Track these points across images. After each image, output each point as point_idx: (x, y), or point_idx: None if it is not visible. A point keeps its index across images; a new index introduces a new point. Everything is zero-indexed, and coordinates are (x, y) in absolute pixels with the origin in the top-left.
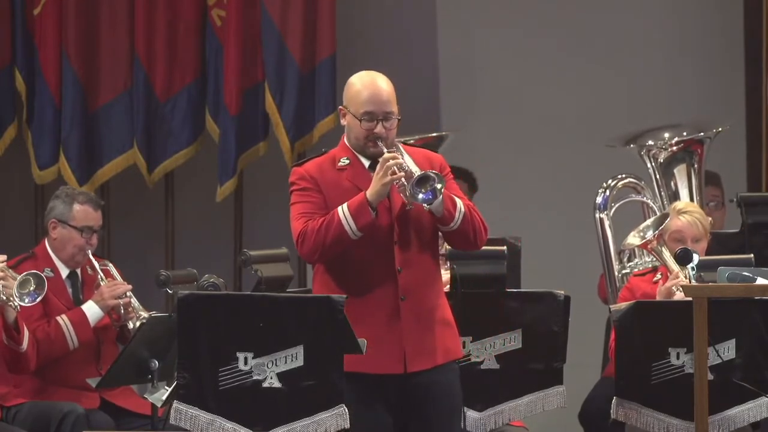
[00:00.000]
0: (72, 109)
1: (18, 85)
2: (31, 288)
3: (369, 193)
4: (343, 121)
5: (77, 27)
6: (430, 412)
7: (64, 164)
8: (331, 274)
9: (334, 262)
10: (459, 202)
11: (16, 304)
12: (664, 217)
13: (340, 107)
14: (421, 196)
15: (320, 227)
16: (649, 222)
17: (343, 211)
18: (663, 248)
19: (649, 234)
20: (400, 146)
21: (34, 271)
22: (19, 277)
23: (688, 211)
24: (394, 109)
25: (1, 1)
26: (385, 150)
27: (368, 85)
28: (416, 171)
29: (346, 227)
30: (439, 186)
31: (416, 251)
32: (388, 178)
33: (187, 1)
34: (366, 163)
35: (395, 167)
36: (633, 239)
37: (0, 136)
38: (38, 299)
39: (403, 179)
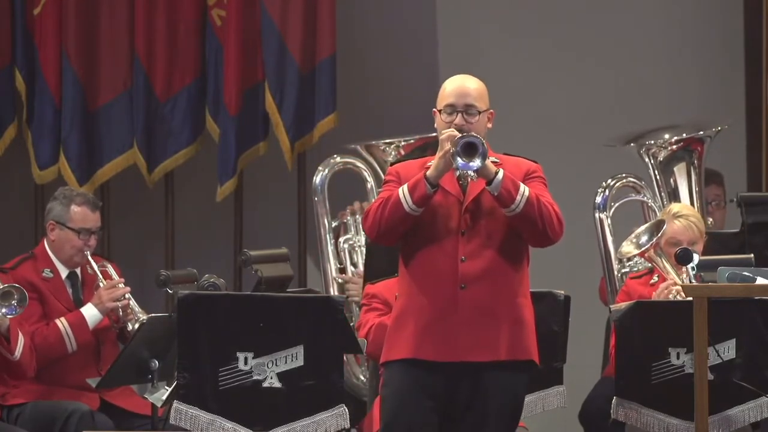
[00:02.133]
0: (72, 109)
1: (18, 85)
2: (13, 302)
3: (430, 169)
4: (436, 125)
5: (77, 27)
6: (481, 406)
7: (64, 164)
8: (404, 262)
9: (406, 249)
10: (523, 187)
11: None
12: (660, 223)
13: (434, 110)
14: (460, 160)
15: (381, 203)
16: (642, 228)
17: (402, 188)
18: (661, 257)
19: (644, 240)
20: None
21: (19, 285)
22: (1, 287)
23: (683, 214)
24: (479, 104)
25: (1, 1)
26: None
27: (453, 80)
28: (467, 134)
29: (403, 201)
30: (479, 147)
31: (485, 243)
32: (442, 151)
33: (187, 1)
34: None
35: (449, 140)
36: (628, 247)
37: (0, 136)
38: (14, 314)
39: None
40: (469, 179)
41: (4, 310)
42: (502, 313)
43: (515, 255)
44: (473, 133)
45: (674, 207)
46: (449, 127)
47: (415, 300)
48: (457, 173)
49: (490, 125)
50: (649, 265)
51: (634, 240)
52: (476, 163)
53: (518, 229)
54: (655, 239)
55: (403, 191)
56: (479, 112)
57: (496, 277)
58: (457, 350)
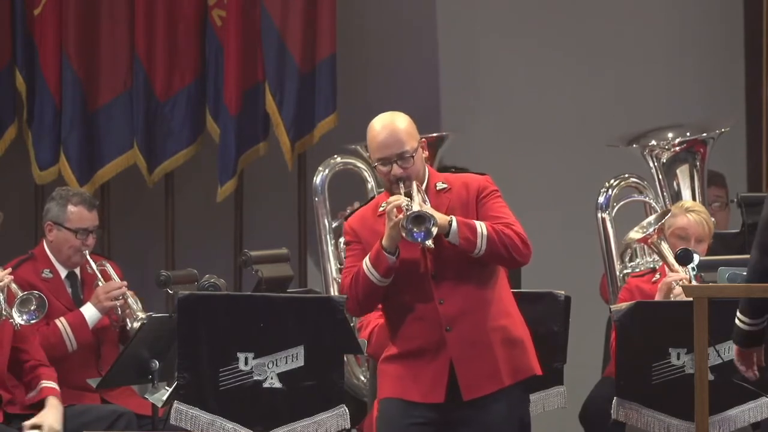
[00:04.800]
0: (72, 109)
1: (18, 85)
2: (32, 307)
3: (384, 239)
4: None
5: (77, 27)
6: None
7: (64, 164)
8: (384, 315)
9: (387, 303)
10: (479, 227)
11: (16, 321)
12: (666, 213)
13: (368, 155)
14: (415, 234)
15: (351, 282)
16: (651, 218)
17: (365, 263)
18: (663, 243)
19: (652, 230)
20: (415, 185)
21: (38, 292)
22: (21, 295)
23: (695, 210)
24: (408, 146)
25: (1, 1)
26: (402, 192)
27: (377, 130)
28: (413, 211)
29: (371, 277)
30: (431, 227)
31: (457, 280)
32: (391, 221)
33: (187, 1)
34: None
35: (394, 209)
36: (634, 234)
37: (0, 136)
38: (35, 320)
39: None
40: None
41: (25, 317)
42: (494, 340)
43: (489, 281)
44: (419, 209)
45: (687, 203)
46: (388, 179)
47: (406, 345)
48: None
49: (426, 153)
50: (651, 265)
51: (643, 228)
52: (429, 234)
53: (485, 262)
54: (658, 224)
55: (367, 266)
56: (412, 156)
57: (478, 309)
58: (462, 391)
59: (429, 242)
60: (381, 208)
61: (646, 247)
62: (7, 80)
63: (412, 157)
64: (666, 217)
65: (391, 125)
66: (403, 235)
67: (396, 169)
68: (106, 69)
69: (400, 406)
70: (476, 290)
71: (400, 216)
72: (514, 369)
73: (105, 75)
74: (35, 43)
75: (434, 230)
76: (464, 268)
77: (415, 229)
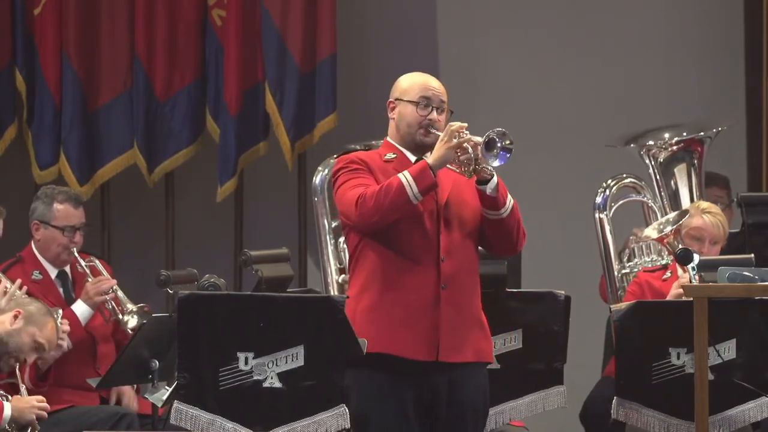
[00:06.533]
0: (72, 109)
1: (18, 85)
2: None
3: (432, 158)
4: (392, 115)
5: (77, 27)
6: (450, 410)
7: (64, 164)
8: (376, 262)
9: (381, 246)
10: (510, 196)
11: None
12: (685, 213)
13: (390, 101)
14: (496, 162)
15: (380, 190)
16: (669, 217)
17: (404, 175)
18: (679, 245)
19: (668, 229)
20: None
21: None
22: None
23: (711, 212)
24: (447, 100)
25: (1, 1)
26: (441, 134)
27: (422, 75)
28: (481, 138)
29: (408, 189)
30: (508, 142)
31: (460, 242)
32: (454, 141)
33: (187, 1)
34: (412, 158)
35: (456, 133)
36: (651, 231)
37: (0, 136)
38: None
39: (469, 146)
40: (488, 172)
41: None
42: (472, 315)
43: (477, 256)
44: (501, 129)
45: (703, 204)
46: (421, 122)
47: (400, 296)
48: (471, 167)
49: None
50: (650, 265)
51: (660, 226)
52: (504, 159)
53: (490, 234)
54: (676, 226)
55: (406, 178)
56: (447, 111)
57: (469, 278)
58: (436, 350)
59: (491, 168)
60: (387, 157)
61: (644, 246)
62: (7, 80)
63: (447, 112)
64: (684, 218)
65: (434, 78)
66: (479, 153)
67: (435, 115)
68: (106, 69)
69: (386, 368)
70: (471, 259)
71: (467, 138)
72: (478, 349)
73: (105, 75)
74: (35, 43)
75: (509, 143)
76: (467, 231)
77: (493, 155)
